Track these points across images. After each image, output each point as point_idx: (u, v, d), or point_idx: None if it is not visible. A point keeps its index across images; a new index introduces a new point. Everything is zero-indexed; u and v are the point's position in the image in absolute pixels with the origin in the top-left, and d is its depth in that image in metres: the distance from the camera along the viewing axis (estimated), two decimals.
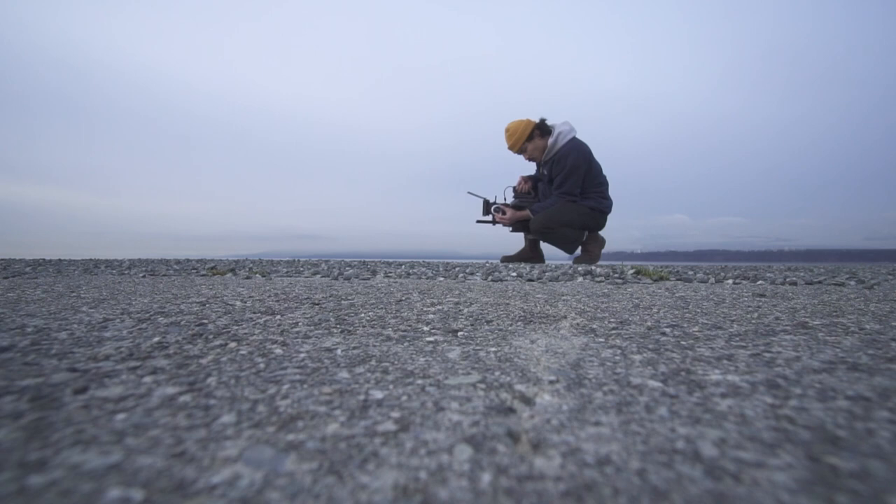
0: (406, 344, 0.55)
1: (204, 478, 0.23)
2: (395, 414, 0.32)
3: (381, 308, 0.83)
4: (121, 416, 0.31)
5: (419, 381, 0.40)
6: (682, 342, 0.56)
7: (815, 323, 0.71)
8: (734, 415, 0.33)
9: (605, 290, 1.21)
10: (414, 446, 0.27)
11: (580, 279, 1.60)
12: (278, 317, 0.73)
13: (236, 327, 0.64)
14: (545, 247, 3.50)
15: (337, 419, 0.31)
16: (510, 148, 3.39)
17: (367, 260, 3.16)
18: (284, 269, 1.96)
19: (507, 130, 3.37)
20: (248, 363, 0.45)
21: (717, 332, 0.63)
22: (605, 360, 0.47)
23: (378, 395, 0.36)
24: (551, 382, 0.40)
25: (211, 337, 0.57)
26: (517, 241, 3.65)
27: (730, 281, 1.58)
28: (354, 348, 0.52)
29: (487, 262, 3.02)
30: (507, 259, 3.53)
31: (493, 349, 0.52)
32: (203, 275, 1.70)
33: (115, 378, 0.40)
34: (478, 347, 0.53)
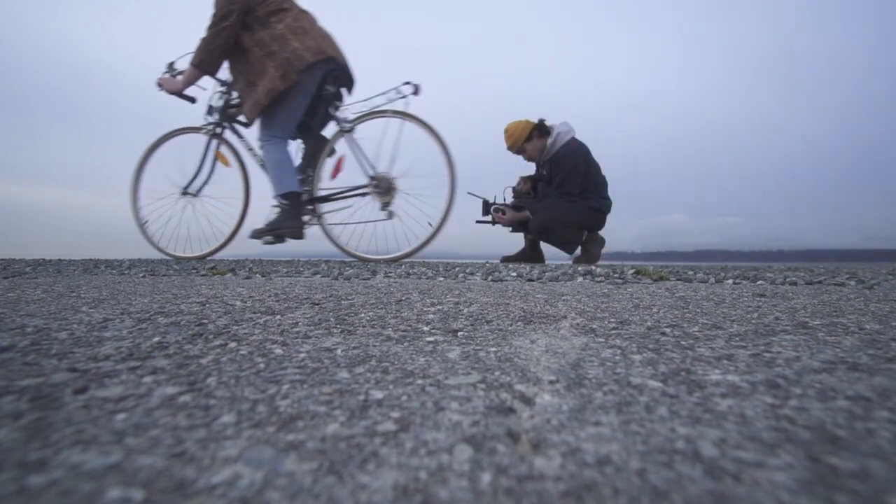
0: (406, 344, 0.55)
1: (204, 478, 0.23)
2: (395, 414, 0.32)
3: (381, 308, 0.83)
4: (121, 416, 0.31)
5: (419, 381, 0.40)
6: (682, 342, 0.56)
7: (815, 323, 0.71)
8: (734, 415, 0.33)
9: (605, 290, 1.21)
10: (414, 446, 0.27)
11: (580, 279, 1.60)
12: (278, 317, 0.73)
13: (236, 327, 0.64)
14: (545, 247, 3.50)
15: (337, 419, 0.31)
16: (509, 148, 3.39)
17: None
18: (284, 269, 1.96)
19: (505, 131, 3.37)
20: (248, 363, 0.45)
21: (717, 332, 0.63)
22: (605, 360, 0.47)
23: (378, 395, 0.36)
24: (551, 382, 0.40)
25: (211, 337, 0.57)
26: (517, 241, 3.65)
27: (730, 281, 1.58)
28: (354, 348, 0.52)
29: (487, 262, 3.02)
30: (507, 259, 3.53)
31: (493, 349, 0.52)
32: (203, 275, 1.70)
33: (115, 378, 0.40)
34: (478, 347, 0.53)
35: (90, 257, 3.17)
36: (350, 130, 2.45)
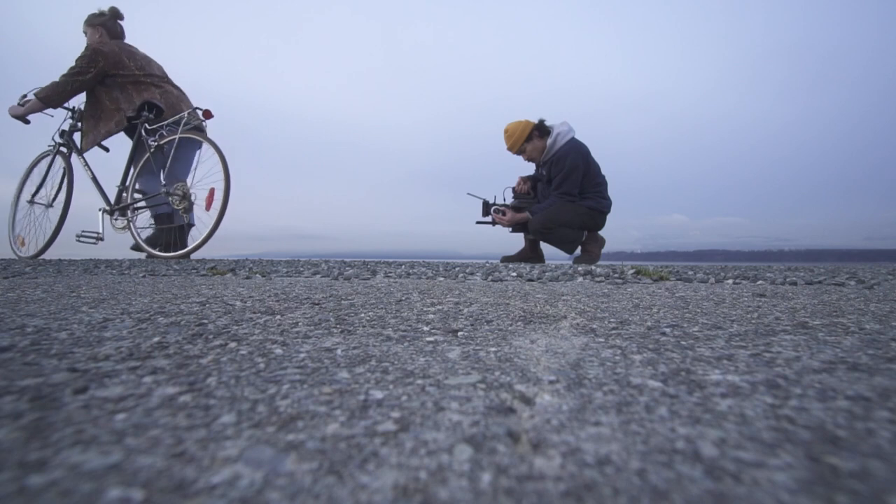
0: (406, 344, 0.55)
1: (204, 478, 0.23)
2: (395, 414, 0.32)
3: (381, 308, 0.83)
4: (121, 416, 0.31)
5: (419, 381, 0.40)
6: (682, 342, 0.56)
7: (815, 323, 0.71)
8: (734, 415, 0.33)
9: (605, 290, 1.21)
10: (414, 446, 0.27)
11: (580, 279, 1.60)
12: (278, 317, 0.73)
13: (236, 327, 0.64)
14: (545, 247, 3.51)
15: (337, 419, 0.31)
16: (509, 149, 3.39)
17: (367, 260, 3.17)
18: (284, 269, 1.96)
19: (505, 132, 3.37)
20: (248, 363, 0.45)
21: (717, 332, 0.63)
22: (605, 360, 0.47)
23: (378, 395, 0.36)
24: (551, 382, 0.40)
25: (211, 337, 0.57)
26: (517, 241, 3.65)
27: (730, 281, 1.58)
28: (354, 348, 0.52)
29: (487, 262, 3.02)
30: (507, 259, 3.53)
31: (493, 349, 0.52)
32: (203, 275, 1.70)
33: (115, 378, 0.40)
34: (478, 347, 0.53)
35: (90, 257, 3.17)
36: (156, 150, 2.94)
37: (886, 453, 0.27)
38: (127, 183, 3.06)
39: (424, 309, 0.83)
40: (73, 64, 2.94)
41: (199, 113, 2.95)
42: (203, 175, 2.86)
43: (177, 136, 2.87)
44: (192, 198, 2.87)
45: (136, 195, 3.04)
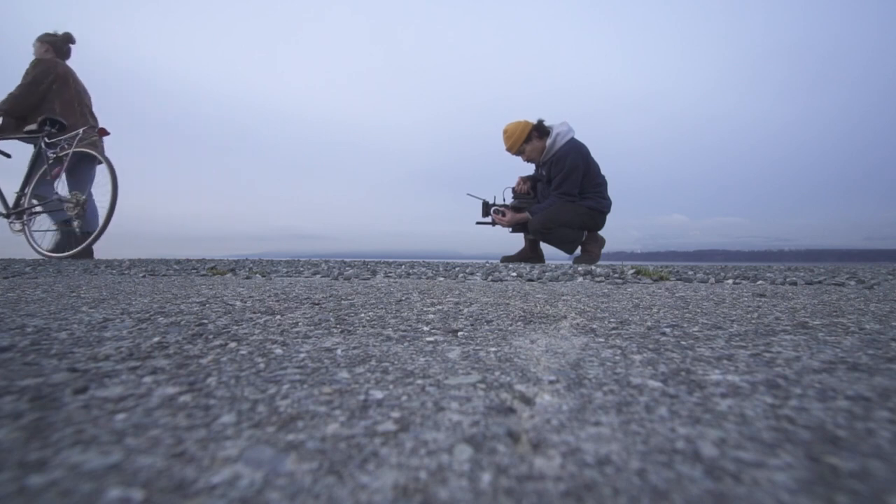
0: (406, 344, 0.55)
1: (204, 478, 0.23)
2: (395, 414, 0.32)
3: (381, 308, 0.83)
4: (121, 416, 0.31)
5: (419, 381, 0.40)
6: (682, 342, 0.56)
7: (815, 323, 0.71)
8: (734, 415, 0.33)
9: (605, 290, 1.21)
10: (414, 446, 0.27)
11: (580, 279, 1.61)
12: (278, 317, 0.73)
13: (236, 327, 0.64)
14: (545, 247, 3.51)
15: (337, 419, 0.31)
16: (508, 149, 3.39)
17: (367, 260, 3.18)
18: (284, 269, 1.96)
19: (504, 132, 3.37)
20: (248, 363, 0.45)
21: (717, 332, 0.63)
22: (605, 360, 0.47)
23: (378, 395, 0.36)
24: (551, 382, 0.40)
25: (211, 337, 0.57)
26: (517, 241, 3.65)
27: (730, 281, 1.58)
28: (354, 348, 0.52)
29: (487, 262, 3.02)
30: (507, 259, 3.53)
31: (493, 349, 0.52)
32: (203, 275, 1.70)
33: (115, 378, 0.40)
34: (478, 347, 0.53)
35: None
36: (55, 161, 3.16)
37: (886, 453, 0.27)
38: (25, 190, 3.31)
39: (424, 309, 0.83)
40: (26, 76, 3.21)
41: (94, 131, 3.25)
42: (97, 185, 3.20)
43: (71, 150, 3.13)
44: (86, 206, 3.13)
45: (34, 201, 3.27)
